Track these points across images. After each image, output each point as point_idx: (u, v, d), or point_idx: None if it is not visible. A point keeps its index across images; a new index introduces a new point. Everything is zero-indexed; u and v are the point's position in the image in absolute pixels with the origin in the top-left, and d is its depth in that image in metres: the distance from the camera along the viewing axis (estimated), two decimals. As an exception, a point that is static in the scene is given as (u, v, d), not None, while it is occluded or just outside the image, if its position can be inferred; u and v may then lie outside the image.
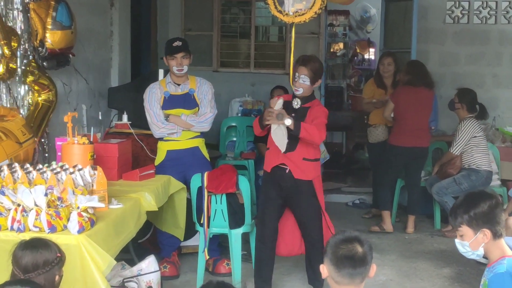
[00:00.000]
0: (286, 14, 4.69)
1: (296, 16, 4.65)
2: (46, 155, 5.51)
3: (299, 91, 5.16)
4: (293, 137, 5.07)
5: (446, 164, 7.33)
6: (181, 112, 5.71)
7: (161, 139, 5.80)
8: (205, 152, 5.90)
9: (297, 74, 5.12)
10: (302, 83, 5.12)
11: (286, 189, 5.22)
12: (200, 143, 5.85)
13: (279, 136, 4.99)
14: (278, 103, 4.99)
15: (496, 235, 3.30)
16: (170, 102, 5.74)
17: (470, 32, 9.14)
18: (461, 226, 3.35)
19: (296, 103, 5.20)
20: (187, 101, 5.77)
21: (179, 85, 5.79)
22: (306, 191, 5.23)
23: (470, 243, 3.34)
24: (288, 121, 4.91)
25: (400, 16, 8.87)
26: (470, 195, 3.43)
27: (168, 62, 5.73)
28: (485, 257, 5.40)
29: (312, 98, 5.27)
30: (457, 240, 3.41)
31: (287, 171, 5.18)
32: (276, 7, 4.72)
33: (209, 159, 5.97)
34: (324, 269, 2.91)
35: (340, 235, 2.93)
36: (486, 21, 9.09)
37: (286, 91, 7.40)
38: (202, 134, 5.86)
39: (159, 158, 5.83)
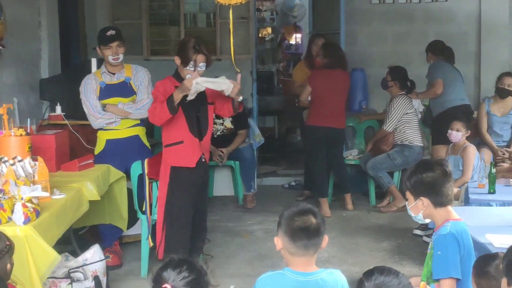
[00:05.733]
0: (223, -5, 4.67)
1: (232, -2, 4.63)
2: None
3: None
4: (205, 119, 5.01)
5: (379, 141, 7.50)
6: (118, 101, 5.66)
7: (100, 129, 5.74)
8: (145, 140, 5.86)
9: (192, 63, 4.89)
10: (200, 70, 4.94)
11: (201, 180, 5.12)
12: (140, 131, 5.80)
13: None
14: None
15: (437, 204, 3.44)
16: (106, 91, 5.67)
17: (396, 12, 9.36)
18: (407, 191, 3.55)
19: None
20: (124, 90, 5.72)
21: (114, 74, 5.74)
22: (207, 178, 5.27)
23: (410, 207, 3.53)
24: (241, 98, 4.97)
25: (328, -1, 9.00)
26: (419, 164, 3.60)
27: (103, 52, 5.65)
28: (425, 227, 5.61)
29: None
30: (406, 203, 3.58)
31: (203, 159, 5.09)
32: (213, -11, 4.70)
33: (149, 148, 5.94)
34: (279, 242, 2.99)
35: (294, 207, 3.02)
36: (410, 1, 9.31)
37: None
38: (143, 123, 5.79)
39: (99, 147, 5.77)
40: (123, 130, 5.72)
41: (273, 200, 7.92)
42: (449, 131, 6.40)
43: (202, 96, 4.96)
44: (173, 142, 5.03)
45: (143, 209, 5.53)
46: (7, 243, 3.17)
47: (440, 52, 7.84)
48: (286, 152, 10.71)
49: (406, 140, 7.37)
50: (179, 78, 4.99)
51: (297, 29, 13.27)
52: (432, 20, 9.27)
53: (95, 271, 4.74)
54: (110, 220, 5.61)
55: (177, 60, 5.00)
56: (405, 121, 7.36)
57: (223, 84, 4.79)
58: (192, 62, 4.90)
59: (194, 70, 4.91)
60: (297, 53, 13.03)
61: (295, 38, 13.32)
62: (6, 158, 4.30)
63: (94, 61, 6.21)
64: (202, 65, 4.95)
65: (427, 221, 3.61)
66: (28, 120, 5.19)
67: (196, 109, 4.99)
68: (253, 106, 9.04)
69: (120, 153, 5.67)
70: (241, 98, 4.97)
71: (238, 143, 7.64)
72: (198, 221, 5.19)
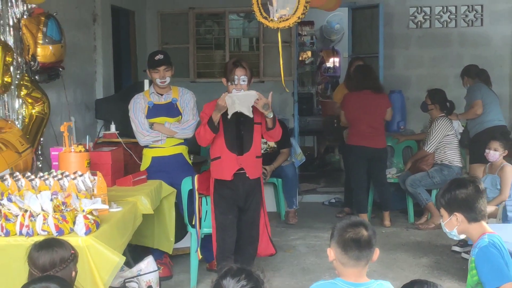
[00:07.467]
0: (271, 20, 4.91)
1: (280, 22, 4.87)
2: (39, 164, 5.64)
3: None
4: (249, 137, 5.25)
5: (419, 160, 7.72)
6: (165, 120, 5.92)
7: (146, 146, 6.00)
8: (188, 158, 6.11)
9: (235, 76, 5.16)
10: (242, 83, 5.19)
11: (244, 192, 5.34)
12: (183, 150, 6.05)
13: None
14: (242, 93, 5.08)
15: (471, 219, 3.55)
16: (154, 111, 5.94)
17: (433, 36, 9.61)
18: (441, 208, 3.68)
19: None
20: (170, 110, 5.97)
21: (162, 95, 5.99)
22: (258, 190, 5.42)
23: (445, 224, 3.65)
24: (272, 114, 5.14)
25: (366, 23, 9.24)
26: (452, 182, 3.71)
27: (151, 75, 5.92)
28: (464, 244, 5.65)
29: None
30: (441, 220, 3.73)
31: (246, 174, 5.31)
32: (261, 14, 4.95)
33: (191, 165, 6.21)
34: (331, 252, 3.11)
35: (346, 220, 3.15)
36: (447, 25, 9.57)
37: None
38: (186, 142, 6.04)
39: (145, 164, 6.02)
40: (168, 148, 5.97)
41: (314, 217, 8.17)
42: (487, 151, 6.52)
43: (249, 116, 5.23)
44: (213, 157, 5.38)
45: (193, 223, 5.80)
46: (72, 251, 3.34)
47: (475, 75, 8.04)
48: (325, 171, 10.94)
49: (446, 160, 7.56)
50: None
51: (335, 52, 13.56)
52: (468, 44, 9.50)
53: (149, 281, 4.91)
54: (158, 244, 5.78)
55: (224, 81, 5.31)
56: (446, 142, 7.56)
57: (251, 96, 5.02)
58: (234, 77, 5.17)
59: (236, 84, 5.18)
60: (335, 76, 13.31)
61: (333, 62, 13.59)
62: (67, 173, 4.55)
63: (146, 82, 6.49)
64: (243, 78, 5.20)
65: (462, 236, 3.70)
66: (87, 137, 5.50)
67: (240, 127, 5.26)
68: (294, 126, 9.29)
69: (165, 170, 5.91)
70: (271, 114, 5.15)
71: (281, 161, 7.87)
72: (247, 229, 5.44)
